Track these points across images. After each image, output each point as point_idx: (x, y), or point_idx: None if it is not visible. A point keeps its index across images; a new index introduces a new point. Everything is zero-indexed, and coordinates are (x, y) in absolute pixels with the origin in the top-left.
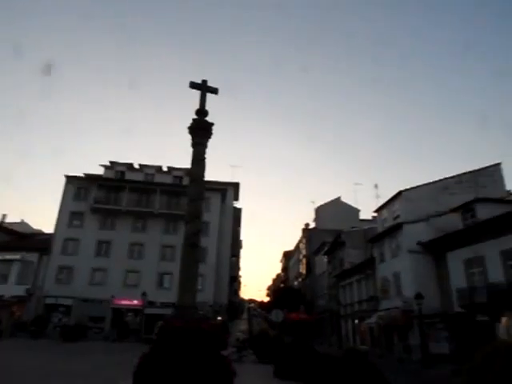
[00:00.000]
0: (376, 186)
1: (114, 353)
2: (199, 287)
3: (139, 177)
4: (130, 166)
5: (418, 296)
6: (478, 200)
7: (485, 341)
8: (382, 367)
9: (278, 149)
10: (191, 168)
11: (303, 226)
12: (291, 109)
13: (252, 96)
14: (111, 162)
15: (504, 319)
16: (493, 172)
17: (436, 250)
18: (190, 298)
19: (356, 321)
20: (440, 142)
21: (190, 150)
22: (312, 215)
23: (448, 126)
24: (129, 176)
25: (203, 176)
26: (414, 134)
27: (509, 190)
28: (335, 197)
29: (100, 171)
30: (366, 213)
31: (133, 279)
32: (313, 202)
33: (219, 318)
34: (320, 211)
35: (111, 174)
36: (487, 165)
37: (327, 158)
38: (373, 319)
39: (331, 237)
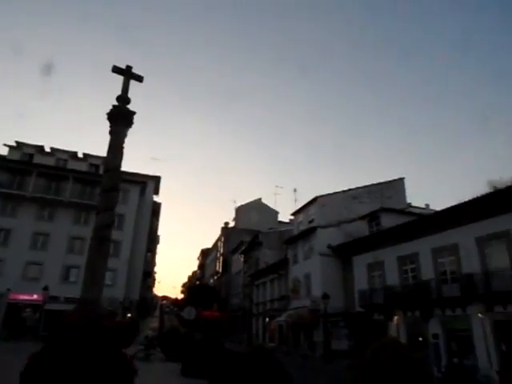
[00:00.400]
0: (295, 190)
1: (3, 352)
2: (109, 282)
3: (50, 161)
4: (40, 148)
5: (325, 296)
6: (382, 210)
7: (379, 337)
8: (286, 363)
9: (201, 146)
10: (107, 156)
11: (223, 225)
12: (217, 108)
13: (176, 91)
14: (18, 143)
15: (395, 318)
16: (397, 185)
17: (344, 253)
18: (96, 292)
19: (267, 319)
20: (360, 150)
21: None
22: (232, 214)
23: (372, 134)
24: (38, 159)
25: (120, 166)
26: (336, 140)
27: (409, 203)
28: (256, 198)
29: (4, 151)
30: (285, 215)
31: (34, 272)
32: (234, 202)
33: (129, 315)
34: (240, 211)
35: (17, 156)
36: (393, 178)
37: (250, 160)
38: (282, 317)
39: (249, 237)
